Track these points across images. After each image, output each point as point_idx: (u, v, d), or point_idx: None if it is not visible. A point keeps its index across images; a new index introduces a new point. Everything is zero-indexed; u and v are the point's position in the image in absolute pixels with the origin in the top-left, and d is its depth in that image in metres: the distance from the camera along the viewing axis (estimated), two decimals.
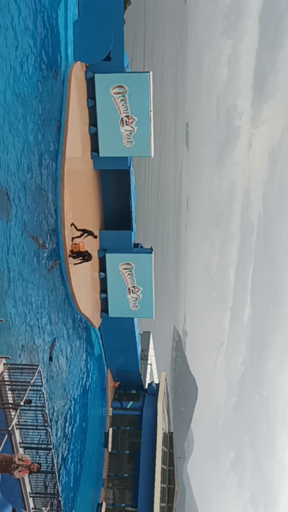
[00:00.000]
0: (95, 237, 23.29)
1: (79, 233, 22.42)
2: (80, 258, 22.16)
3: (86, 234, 22.67)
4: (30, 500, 14.12)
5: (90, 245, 24.62)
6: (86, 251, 22.32)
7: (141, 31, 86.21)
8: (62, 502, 14.90)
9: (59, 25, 21.47)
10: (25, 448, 13.25)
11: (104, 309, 28.35)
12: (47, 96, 20.12)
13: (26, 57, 18.08)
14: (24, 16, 17.80)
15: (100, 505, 30.62)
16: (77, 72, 22.36)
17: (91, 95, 23.66)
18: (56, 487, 14.67)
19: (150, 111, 23.89)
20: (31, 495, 14.09)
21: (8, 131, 16.61)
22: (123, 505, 31.86)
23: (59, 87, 21.26)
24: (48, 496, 14.85)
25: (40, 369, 11.90)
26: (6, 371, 11.39)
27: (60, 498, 14.65)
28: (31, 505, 14.21)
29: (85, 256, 22.22)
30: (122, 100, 23.54)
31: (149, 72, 23.75)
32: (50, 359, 21.25)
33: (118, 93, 23.42)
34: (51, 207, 20.74)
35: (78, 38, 22.90)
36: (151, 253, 27.44)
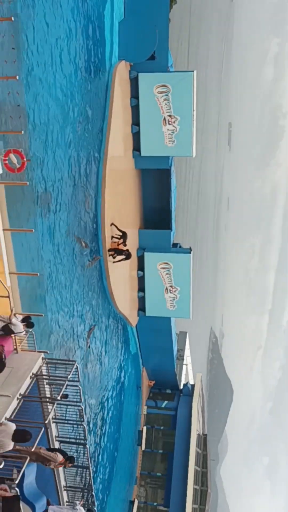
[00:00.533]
0: (125, 245, 23.07)
1: (119, 233, 22.46)
2: (121, 256, 22.22)
3: (122, 239, 22.62)
4: (64, 493, 14.34)
5: (129, 243, 24.72)
6: (127, 250, 22.39)
7: (186, 30, 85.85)
8: (95, 497, 15.05)
9: (105, 25, 21.67)
10: (60, 442, 13.45)
11: (141, 307, 28.42)
12: (91, 95, 20.35)
13: (72, 57, 18.35)
14: (70, 17, 18.07)
15: (132, 502, 30.77)
16: (121, 71, 22.50)
17: (134, 94, 23.76)
18: (90, 482, 14.82)
19: (193, 110, 23.76)
20: (65, 488, 14.30)
21: (52, 130, 16.90)
22: (155, 504, 31.89)
23: (103, 86, 21.47)
24: (82, 490, 15.04)
25: (77, 365, 12.06)
26: (44, 365, 11.60)
27: (93, 492, 14.80)
28: (65, 498, 14.42)
29: (124, 254, 22.28)
30: (165, 99, 23.52)
31: (193, 71, 23.62)
32: (88, 346, 21.49)
33: (161, 92, 23.41)
34: (92, 205, 20.96)
35: (123, 38, 23.04)
36: (190, 253, 27.30)
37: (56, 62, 17.02)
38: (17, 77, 12.14)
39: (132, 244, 26.06)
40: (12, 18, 12.15)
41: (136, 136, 24.48)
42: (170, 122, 23.94)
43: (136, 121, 24.18)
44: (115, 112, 21.80)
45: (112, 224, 21.99)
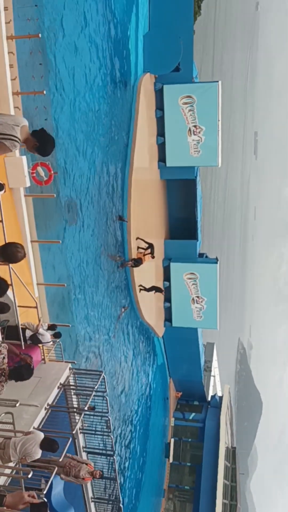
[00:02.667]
0: (153, 257, 23.19)
1: (145, 244, 22.51)
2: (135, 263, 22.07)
3: (149, 250, 22.68)
4: (92, 505, 14.31)
5: (154, 254, 24.76)
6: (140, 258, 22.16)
7: (210, 40, 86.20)
8: (122, 509, 14.96)
9: (130, 38, 21.97)
10: (88, 452, 13.46)
11: (168, 318, 28.33)
12: (117, 107, 20.61)
13: (98, 69, 18.66)
14: (96, 29, 18.38)
15: None
16: (146, 84, 22.73)
17: (159, 105, 23.95)
18: (117, 494, 14.76)
19: (219, 120, 23.77)
20: (92, 500, 14.27)
21: (79, 142, 17.16)
22: None
23: (128, 98, 21.72)
24: (109, 502, 14.97)
25: (104, 375, 12.08)
26: (71, 375, 11.67)
27: (121, 505, 14.72)
28: (93, 510, 14.39)
29: (138, 263, 22.11)
30: (190, 110, 23.61)
31: (218, 81, 23.68)
32: (115, 334, 21.65)
33: (186, 103, 23.52)
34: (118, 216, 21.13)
35: (148, 50, 23.29)
36: (216, 263, 27.13)
37: (82, 76, 17.32)
38: (44, 92, 12.39)
39: (158, 254, 26.09)
40: (39, 35, 12.45)
41: (161, 147, 24.63)
42: (195, 133, 24.00)
43: (161, 132, 24.34)
44: (140, 123, 22.00)
45: (137, 238, 22.03)
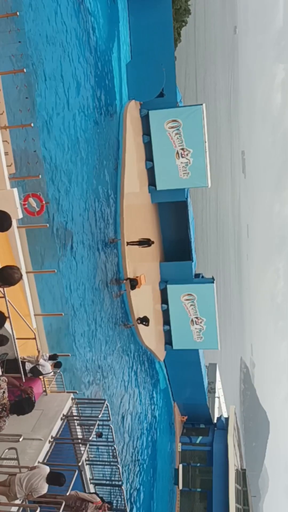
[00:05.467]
0: (153, 242, 23.12)
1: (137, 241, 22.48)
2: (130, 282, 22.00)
3: (146, 245, 22.62)
4: None
5: (150, 276, 24.78)
6: (135, 279, 22.08)
7: (192, 65, 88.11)
8: None
9: (114, 67, 22.46)
10: (95, 484, 13.16)
11: (168, 341, 28.14)
12: (104, 134, 20.91)
13: (84, 99, 19.00)
14: (80, 62, 18.78)
15: None
16: (132, 111, 23.12)
17: (146, 131, 24.34)
18: None
19: (205, 142, 24.14)
20: None
21: (69, 172, 17.33)
22: None
23: (115, 125, 22.06)
24: None
25: (107, 404, 11.91)
26: (74, 406, 11.49)
27: None
28: None
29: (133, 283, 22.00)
30: (176, 133, 24.00)
31: (202, 104, 24.13)
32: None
33: (172, 127, 23.92)
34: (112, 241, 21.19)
35: (131, 78, 23.80)
36: (213, 282, 27.14)
37: (68, 107, 17.61)
38: (32, 125, 12.57)
39: (154, 278, 26.09)
40: (24, 70, 12.69)
41: (150, 171, 24.93)
42: (183, 155, 24.33)
43: (149, 157, 24.68)
44: (129, 149, 22.30)
45: (128, 243, 21.86)
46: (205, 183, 25.17)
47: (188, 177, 24.71)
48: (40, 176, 13.67)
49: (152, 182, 25.10)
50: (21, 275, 6.58)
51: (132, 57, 24.35)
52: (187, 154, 24.30)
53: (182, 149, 24.24)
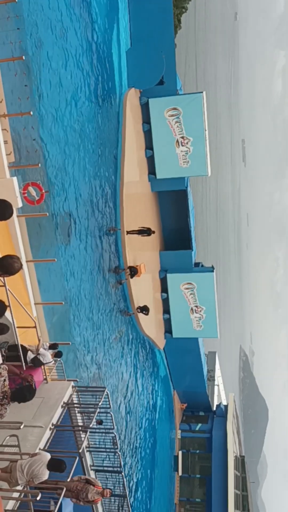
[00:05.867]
0: (153, 232, 23.04)
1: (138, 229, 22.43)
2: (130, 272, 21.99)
3: (145, 234, 22.59)
4: None
5: (150, 265, 24.83)
6: (135, 267, 22.06)
7: (192, 52, 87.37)
8: None
9: (113, 55, 22.26)
10: (96, 471, 13.31)
11: (168, 330, 28.26)
12: (104, 123, 20.79)
13: (84, 87, 18.86)
14: (79, 51, 18.62)
15: None
16: (131, 99, 22.97)
17: (146, 119, 24.19)
18: (127, 510, 14.56)
19: (205, 130, 24.01)
20: None
21: (68, 160, 17.26)
22: None
23: (115, 113, 21.93)
24: None
25: (108, 392, 12.00)
26: (75, 394, 11.58)
27: None
28: None
29: (134, 272, 22.00)
30: (176, 122, 23.86)
31: (202, 92, 23.96)
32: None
33: (172, 115, 23.78)
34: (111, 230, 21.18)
35: (131, 66, 23.60)
36: (212, 271, 27.18)
37: (68, 95, 17.49)
38: (31, 113, 12.50)
39: (154, 267, 26.13)
40: (23, 57, 12.59)
41: (150, 160, 24.83)
42: (183, 144, 24.22)
43: (149, 145, 24.56)
44: (128, 138, 22.19)
45: (127, 232, 21.83)
46: (205, 171, 25.09)
47: (188, 165, 24.62)
48: (39, 164, 13.63)
49: (152, 170, 25.02)
50: (21, 265, 6.60)
51: (132, 44, 24.12)
52: (187, 143, 24.19)
53: (182, 137, 24.12)
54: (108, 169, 21.03)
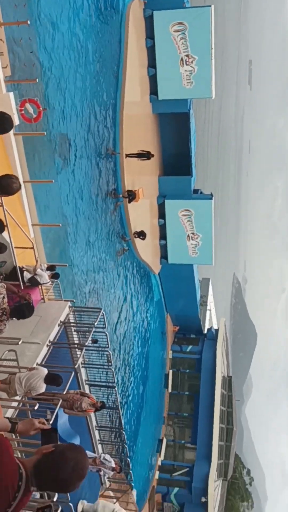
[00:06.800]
0: (152, 155, 22.49)
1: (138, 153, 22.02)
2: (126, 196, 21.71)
3: (145, 158, 22.20)
4: (96, 432, 15.11)
5: (149, 190, 24.59)
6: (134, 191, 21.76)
7: None
8: (125, 436, 15.82)
9: None
10: (90, 385, 14.02)
11: (164, 255, 28.57)
12: (105, 36, 19.63)
13: None
14: None
15: (161, 440, 32.25)
16: (135, 10, 21.50)
17: (149, 34, 22.80)
18: (120, 422, 15.55)
19: (212, 48, 22.76)
20: (96, 428, 15.05)
21: (67, 76, 16.47)
22: (183, 441, 33.37)
23: (117, 27, 20.62)
24: (112, 429, 15.82)
25: (103, 312, 12.34)
26: (71, 313, 11.91)
27: (123, 431, 15.54)
28: (97, 437, 15.21)
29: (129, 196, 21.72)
30: (182, 38, 22.54)
31: (210, 6, 22.43)
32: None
33: (178, 30, 22.41)
34: (110, 152, 20.71)
35: None
36: (211, 199, 26.99)
37: (68, 4, 16.35)
38: (28, 22, 11.71)
39: (152, 192, 25.89)
40: None
41: (152, 79, 23.71)
42: (187, 63, 23.04)
43: (152, 63, 23.35)
44: (131, 54, 21.04)
45: (126, 155, 21.38)
46: (209, 94, 24.10)
47: (192, 86, 23.57)
48: (37, 80, 13.02)
49: (154, 90, 23.97)
50: (20, 185, 6.50)
51: None
52: (191, 62, 23.00)
53: (187, 55, 22.89)
54: (109, 87, 20.14)
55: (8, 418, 3.66)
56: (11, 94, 10.56)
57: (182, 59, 22.98)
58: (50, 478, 2.84)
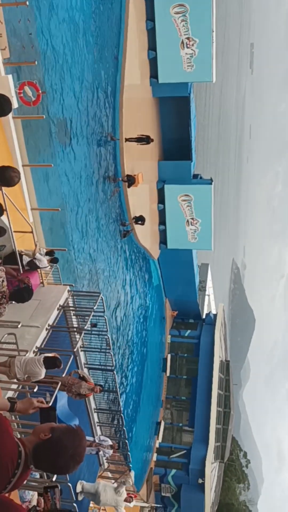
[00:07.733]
0: (152, 140, 22.32)
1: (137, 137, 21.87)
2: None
3: (144, 142, 22.04)
4: (95, 415, 15.29)
5: (148, 175, 24.50)
6: (133, 176, 21.67)
7: None
8: (124, 419, 16.03)
9: None
10: (89, 368, 14.15)
11: (163, 240, 28.57)
12: (105, 18, 19.36)
13: None
14: None
15: (159, 423, 32.66)
16: None
17: (150, 16, 22.48)
18: (118, 404, 15.73)
19: (213, 31, 22.47)
20: (95, 410, 15.23)
21: (67, 58, 16.31)
22: (180, 424, 33.78)
23: (117, 8, 20.32)
24: (111, 412, 16.02)
25: (102, 296, 12.40)
26: (70, 297, 11.97)
27: (122, 414, 15.74)
28: (96, 419, 15.40)
29: (131, 181, 21.63)
30: (183, 20, 22.23)
31: None
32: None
33: (178, 12, 22.10)
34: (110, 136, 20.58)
35: None
36: (211, 184, 26.89)
37: None
38: (27, 3, 11.54)
39: (151, 177, 25.79)
40: None
41: (153, 62, 23.44)
42: (188, 45, 22.77)
43: (152, 46, 23.06)
44: (131, 36, 20.77)
45: (126, 140, 21.24)
46: (210, 77, 23.85)
47: (192, 70, 23.33)
48: (36, 62, 12.88)
49: (154, 74, 23.71)
50: (20, 178, 6.74)
51: None
52: (192, 45, 22.73)
53: (188, 38, 22.61)
54: (109, 70, 19.93)
55: (8, 398, 3.72)
56: (10, 77, 10.46)
57: (182, 42, 22.72)
58: (48, 464, 2.90)
